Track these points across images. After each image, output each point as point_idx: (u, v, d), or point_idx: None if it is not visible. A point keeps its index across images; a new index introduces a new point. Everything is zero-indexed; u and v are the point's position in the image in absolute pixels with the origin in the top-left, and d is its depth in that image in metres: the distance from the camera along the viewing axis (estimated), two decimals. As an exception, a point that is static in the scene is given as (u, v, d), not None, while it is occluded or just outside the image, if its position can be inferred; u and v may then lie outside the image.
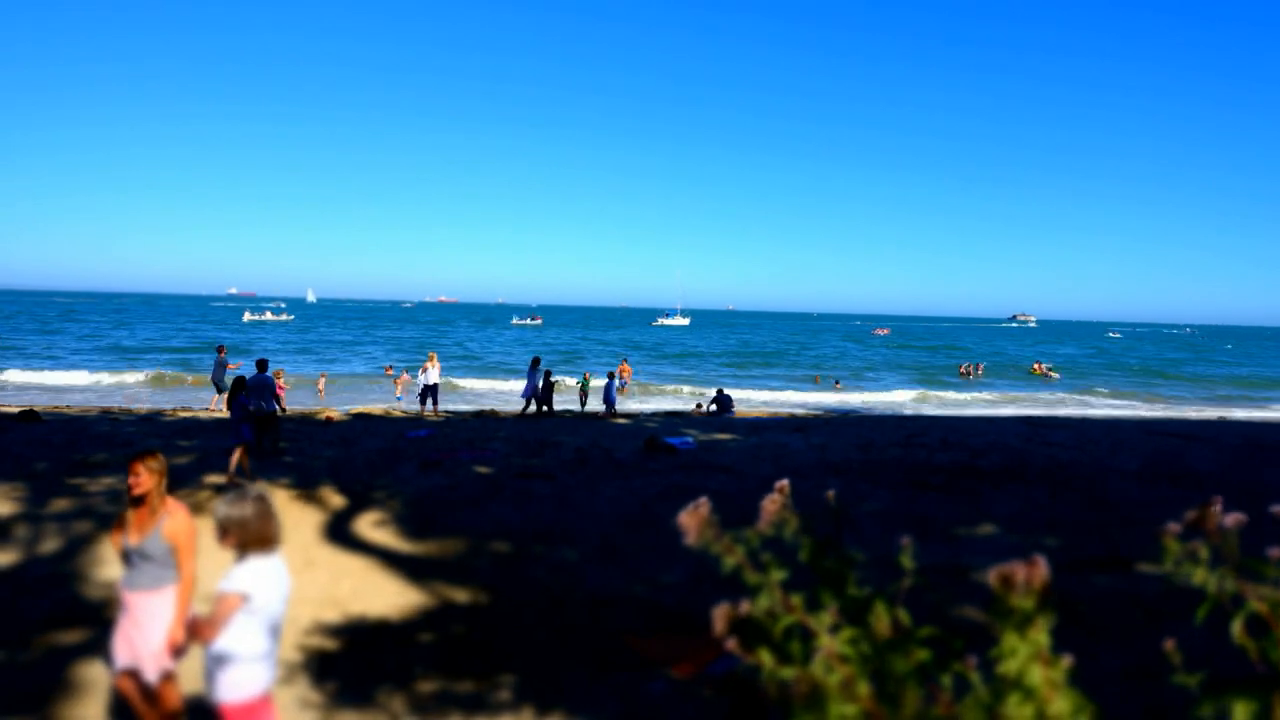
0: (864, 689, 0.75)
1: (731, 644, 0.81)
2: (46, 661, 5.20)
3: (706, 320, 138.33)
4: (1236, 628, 0.68)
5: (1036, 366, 47.01)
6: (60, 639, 5.49)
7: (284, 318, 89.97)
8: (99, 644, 5.23)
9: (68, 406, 21.59)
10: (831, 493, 1.00)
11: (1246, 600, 0.66)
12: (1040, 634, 0.71)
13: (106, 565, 6.71)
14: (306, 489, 8.97)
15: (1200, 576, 0.61)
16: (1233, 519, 0.61)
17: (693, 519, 0.91)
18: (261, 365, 12.24)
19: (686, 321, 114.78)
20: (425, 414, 19.61)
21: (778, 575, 0.85)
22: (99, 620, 5.65)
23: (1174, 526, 0.64)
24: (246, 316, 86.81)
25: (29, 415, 15.97)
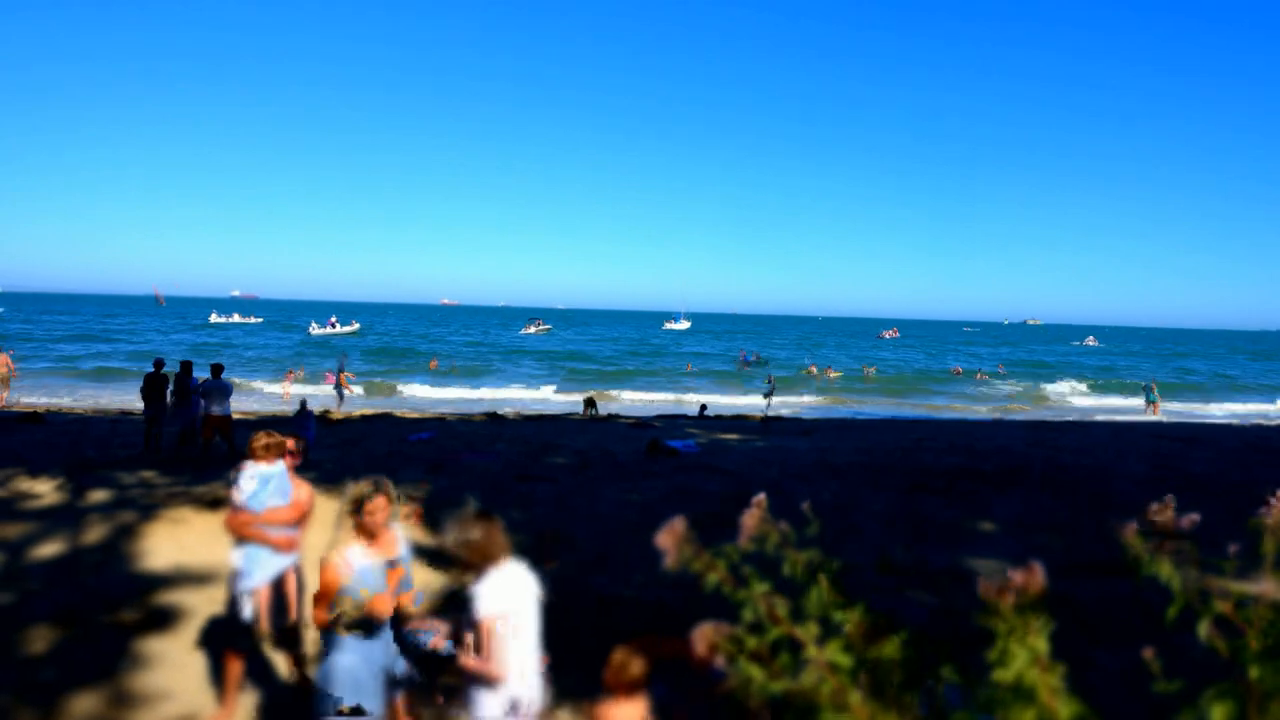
0: (855, 698, 0.77)
1: (719, 661, 0.81)
2: (113, 638, 5.46)
3: (704, 323, 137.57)
4: (1203, 629, 0.72)
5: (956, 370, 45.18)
6: (123, 618, 5.77)
7: (252, 319, 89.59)
8: (161, 620, 5.69)
9: (69, 407, 21.65)
10: (807, 504, 0.99)
11: (1212, 600, 0.69)
12: (1038, 640, 0.72)
13: (149, 555, 7.05)
14: (333, 484, 9.12)
15: (1166, 574, 0.65)
16: (1188, 519, 0.65)
17: (669, 538, 0.88)
18: (216, 370, 12.24)
19: (687, 325, 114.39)
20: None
21: (760, 588, 0.84)
22: (153, 603, 6.04)
23: (1133, 525, 0.68)
24: (213, 318, 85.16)
25: (33, 417, 16.04)
